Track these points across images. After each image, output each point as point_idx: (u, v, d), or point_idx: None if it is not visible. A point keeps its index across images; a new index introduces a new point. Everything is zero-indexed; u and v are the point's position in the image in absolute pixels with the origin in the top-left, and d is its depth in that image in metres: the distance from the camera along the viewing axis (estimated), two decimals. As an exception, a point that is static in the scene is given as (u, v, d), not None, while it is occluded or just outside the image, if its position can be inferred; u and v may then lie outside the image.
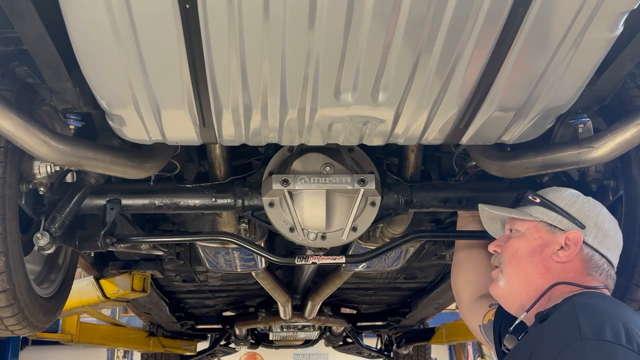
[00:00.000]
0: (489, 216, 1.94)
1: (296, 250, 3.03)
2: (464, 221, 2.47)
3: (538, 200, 1.77)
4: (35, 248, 2.04)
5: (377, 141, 1.93)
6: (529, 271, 1.68)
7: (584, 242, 1.65)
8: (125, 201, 2.28)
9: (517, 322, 1.68)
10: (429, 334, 6.34)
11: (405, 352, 6.81)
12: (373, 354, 7.39)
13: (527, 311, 1.65)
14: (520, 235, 1.74)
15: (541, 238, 1.70)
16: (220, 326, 6.05)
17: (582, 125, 1.91)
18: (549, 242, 1.68)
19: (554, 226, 1.70)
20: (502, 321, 1.91)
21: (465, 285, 2.29)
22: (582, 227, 1.68)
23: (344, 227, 2.26)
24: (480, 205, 1.94)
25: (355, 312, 6.11)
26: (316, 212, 2.23)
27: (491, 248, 1.83)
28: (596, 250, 1.66)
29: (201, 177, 2.41)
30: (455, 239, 2.58)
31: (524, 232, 1.74)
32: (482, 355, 10.17)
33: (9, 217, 1.85)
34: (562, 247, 1.66)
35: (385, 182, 2.34)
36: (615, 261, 1.70)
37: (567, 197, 1.76)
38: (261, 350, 7.68)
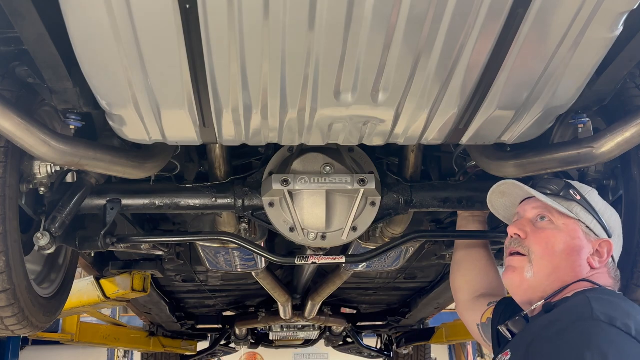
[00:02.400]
0: (503, 190, 1.84)
1: (296, 250, 3.04)
2: (464, 221, 2.47)
3: (579, 197, 1.71)
4: (36, 248, 2.05)
5: (377, 141, 1.93)
6: (562, 268, 1.63)
7: None
8: (125, 201, 2.28)
9: (533, 307, 1.64)
10: (428, 334, 6.34)
11: (405, 352, 6.81)
12: (373, 354, 7.39)
13: (546, 300, 1.62)
14: (555, 228, 1.67)
15: (579, 239, 1.66)
16: (220, 326, 6.05)
17: (582, 125, 1.91)
18: (586, 244, 1.65)
19: (590, 230, 1.67)
20: (501, 318, 1.90)
21: (464, 284, 2.29)
22: (610, 236, 1.68)
23: (344, 227, 2.26)
24: (510, 180, 1.81)
25: (355, 312, 6.12)
26: (316, 212, 2.23)
27: (513, 231, 1.72)
28: (614, 260, 1.68)
29: (201, 177, 2.41)
30: (455, 239, 2.58)
31: (561, 226, 1.67)
32: (482, 355, 10.16)
33: (9, 217, 1.85)
34: (594, 253, 1.65)
35: (385, 182, 2.34)
36: None
37: (599, 201, 1.75)
38: (261, 350, 7.69)
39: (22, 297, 1.97)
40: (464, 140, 1.92)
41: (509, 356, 1.57)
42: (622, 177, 2.13)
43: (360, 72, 1.54)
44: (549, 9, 1.39)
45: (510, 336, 1.69)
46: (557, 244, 1.65)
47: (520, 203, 1.82)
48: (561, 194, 1.73)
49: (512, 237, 1.73)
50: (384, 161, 2.48)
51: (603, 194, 2.17)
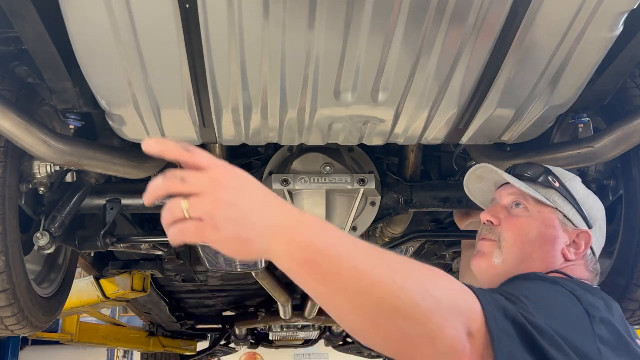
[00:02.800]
0: (480, 175, 1.76)
1: (296, 250, 3.03)
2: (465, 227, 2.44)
3: (557, 185, 1.62)
4: (36, 248, 2.05)
5: (377, 141, 1.93)
6: (534, 258, 1.55)
7: None
8: (125, 201, 2.28)
9: None
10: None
11: (405, 352, 6.79)
12: (373, 354, 7.39)
13: None
14: (530, 216, 1.59)
15: (555, 228, 1.57)
16: (220, 326, 6.04)
17: (582, 125, 1.91)
18: (561, 235, 1.56)
19: (568, 219, 1.58)
20: None
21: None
22: (590, 227, 1.59)
23: (344, 227, 2.26)
24: (485, 164, 1.73)
25: (355, 312, 6.10)
26: (316, 212, 2.22)
27: (485, 218, 1.63)
28: (594, 253, 1.60)
29: (201, 177, 2.40)
30: (455, 239, 2.58)
31: (535, 214, 1.59)
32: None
33: (9, 217, 1.85)
34: (571, 244, 1.56)
35: (385, 182, 2.34)
36: None
37: (581, 190, 1.65)
38: (261, 350, 7.67)
39: (22, 297, 1.97)
40: (464, 140, 1.92)
41: None
42: (622, 177, 2.13)
43: (360, 72, 1.54)
44: (549, 9, 1.39)
45: None
46: (530, 233, 1.56)
47: (498, 189, 1.72)
48: (539, 181, 1.63)
49: (484, 223, 1.64)
50: (384, 161, 2.48)
51: (603, 194, 2.17)
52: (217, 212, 0.91)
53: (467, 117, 1.76)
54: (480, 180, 1.77)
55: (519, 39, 1.46)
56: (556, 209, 1.58)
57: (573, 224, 1.58)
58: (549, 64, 1.56)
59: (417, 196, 2.36)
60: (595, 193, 2.15)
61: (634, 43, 1.59)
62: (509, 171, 1.69)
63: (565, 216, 1.58)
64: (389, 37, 1.43)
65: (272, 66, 1.50)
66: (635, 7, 1.40)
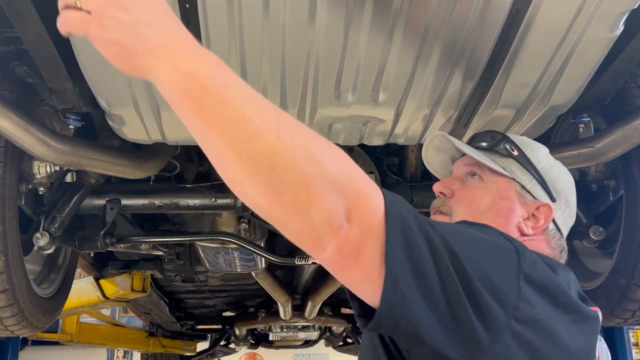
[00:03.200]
0: (437, 145, 1.62)
1: (296, 250, 3.03)
2: None
3: (516, 153, 1.48)
4: (35, 248, 2.05)
5: (377, 141, 1.93)
6: None
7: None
8: (125, 201, 2.28)
9: None
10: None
11: (405, 352, 6.78)
12: (373, 354, 7.37)
13: None
14: (484, 187, 1.46)
15: (510, 200, 1.43)
16: (220, 326, 6.04)
17: (582, 125, 1.91)
18: (518, 207, 1.42)
19: (527, 190, 1.44)
20: None
21: None
22: (554, 200, 1.44)
23: (344, 227, 2.25)
24: (440, 132, 1.59)
25: (355, 312, 6.10)
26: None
27: (438, 189, 1.53)
28: (558, 228, 1.44)
29: (201, 177, 2.41)
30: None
31: (490, 185, 1.46)
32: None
33: (8, 217, 1.85)
34: (528, 217, 1.41)
35: (385, 182, 2.34)
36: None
37: (544, 159, 1.50)
38: (261, 351, 7.67)
39: (22, 298, 1.97)
40: (465, 139, 1.92)
41: None
42: (622, 177, 2.13)
43: (360, 72, 1.54)
44: (549, 9, 1.39)
45: None
46: (482, 204, 1.43)
47: (457, 160, 1.60)
48: (496, 149, 1.49)
49: (438, 195, 1.54)
50: (384, 161, 2.48)
51: (603, 193, 2.17)
52: (106, 10, 0.86)
53: (467, 117, 1.76)
54: (440, 152, 1.63)
55: (519, 39, 1.46)
56: (513, 179, 1.45)
57: (532, 196, 1.43)
58: (549, 64, 1.55)
59: (418, 196, 2.36)
60: (596, 193, 2.15)
61: (634, 43, 1.59)
62: (469, 141, 1.56)
63: (523, 187, 1.44)
64: (389, 37, 1.43)
65: (272, 66, 1.50)
66: (635, 7, 1.40)
